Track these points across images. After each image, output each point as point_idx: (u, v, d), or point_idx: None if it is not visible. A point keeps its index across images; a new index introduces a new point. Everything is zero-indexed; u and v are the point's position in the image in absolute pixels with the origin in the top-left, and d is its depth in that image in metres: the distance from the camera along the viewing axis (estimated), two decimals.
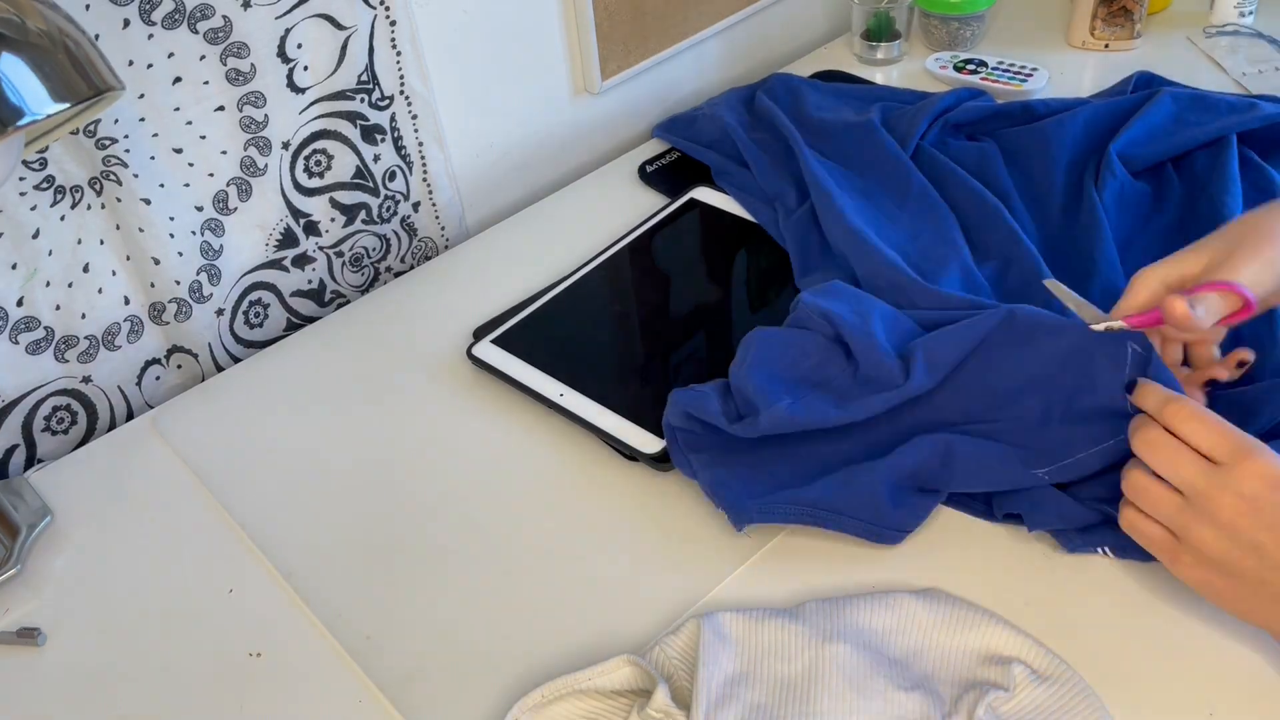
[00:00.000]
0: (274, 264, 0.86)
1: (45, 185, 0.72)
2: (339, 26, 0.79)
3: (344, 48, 0.80)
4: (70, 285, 0.76)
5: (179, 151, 0.76)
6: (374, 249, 0.91)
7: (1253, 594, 0.53)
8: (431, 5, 0.85)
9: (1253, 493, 0.52)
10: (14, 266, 0.73)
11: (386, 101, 0.85)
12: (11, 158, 0.57)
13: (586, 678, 0.55)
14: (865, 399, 0.66)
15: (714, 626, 0.58)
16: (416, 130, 0.88)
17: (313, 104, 0.81)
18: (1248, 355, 0.65)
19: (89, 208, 0.75)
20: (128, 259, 0.78)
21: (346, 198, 0.87)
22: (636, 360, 0.80)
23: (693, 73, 1.08)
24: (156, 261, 0.78)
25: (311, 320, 0.89)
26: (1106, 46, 1.07)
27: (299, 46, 0.78)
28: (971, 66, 1.05)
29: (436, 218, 0.94)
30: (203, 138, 0.77)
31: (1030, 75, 1.02)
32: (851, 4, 1.09)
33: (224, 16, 0.74)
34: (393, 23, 0.82)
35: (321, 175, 0.85)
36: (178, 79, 0.74)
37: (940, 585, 0.61)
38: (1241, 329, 0.69)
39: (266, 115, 0.79)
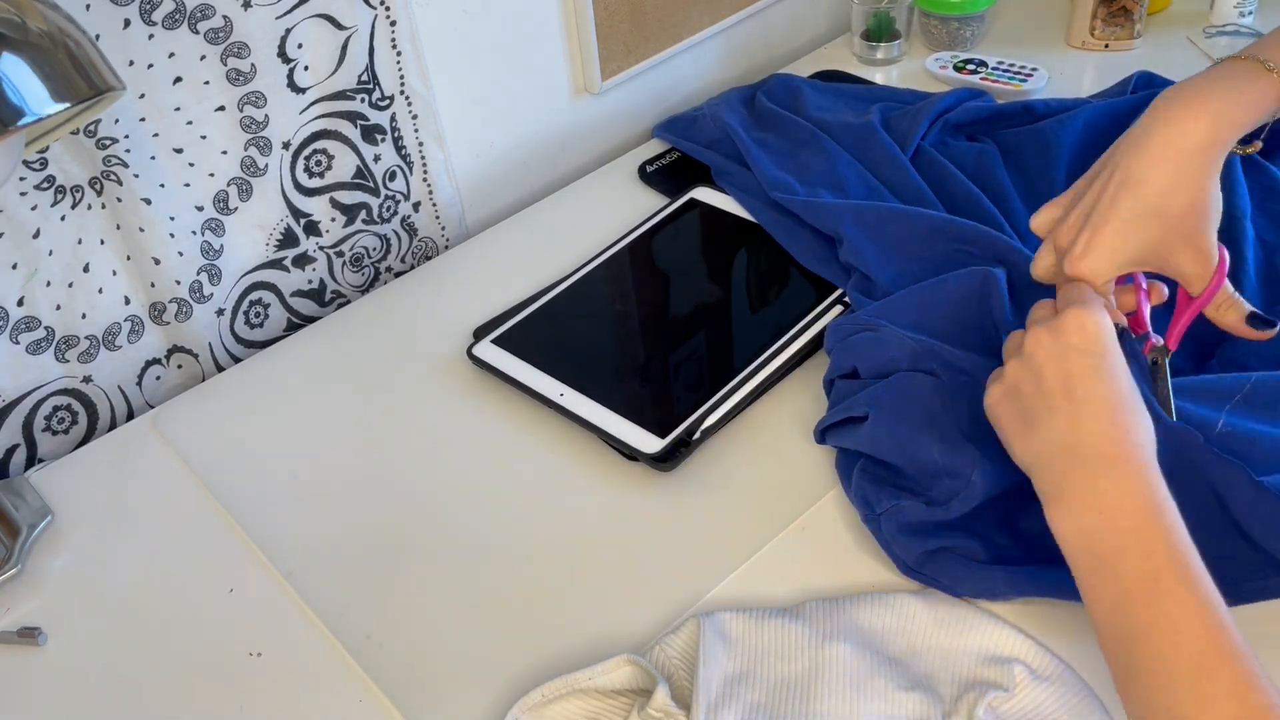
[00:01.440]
0: (274, 264, 0.86)
1: (46, 185, 0.72)
2: (339, 26, 0.79)
3: (344, 48, 0.80)
4: (70, 285, 0.76)
5: (179, 151, 0.76)
6: (374, 249, 0.91)
7: (1020, 418, 0.56)
8: (431, 5, 0.85)
9: (1059, 329, 0.55)
10: (14, 266, 0.73)
11: (387, 101, 0.85)
12: (12, 158, 0.57)
13: (586, 677, 0.55)
14: None
15: (714, 626, 0.58)
16: (416, 130, 0.88)
17: (313, 104, 0.81)
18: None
19: (89, 208, 0.75)
20: (128, 259, 0.78)
21: (347, 198, 0.87)
22: (636, 360, 0.80)
23: (693, 73, 1.08)
24: (157, 261, 0.78)
25: (312, 320, 0.89)
26: (1106, 46, 1.06)
27: (299, 46, 0.78)
28: (971, 66, 1.05)
29: (436, 218, 0.94)
30: (203, 138, 0.77)
31: (1030, 75, 1.02)
32: (851, 4, 1.09)
33: (224, 16, 0.74)
34: (393, 23, 0.82)
35: (322, 175, 0.85)
36: (178, 79, 0.74)
37: None
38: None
39: (267, 115, 0.79)
